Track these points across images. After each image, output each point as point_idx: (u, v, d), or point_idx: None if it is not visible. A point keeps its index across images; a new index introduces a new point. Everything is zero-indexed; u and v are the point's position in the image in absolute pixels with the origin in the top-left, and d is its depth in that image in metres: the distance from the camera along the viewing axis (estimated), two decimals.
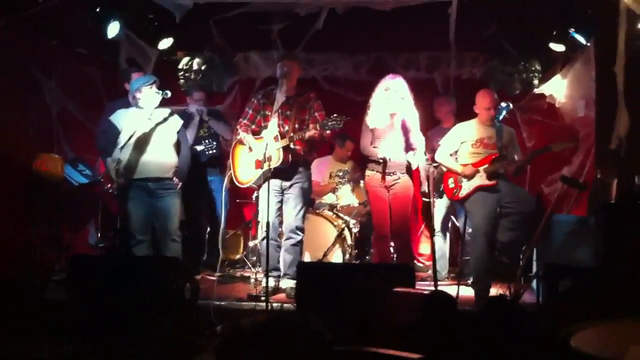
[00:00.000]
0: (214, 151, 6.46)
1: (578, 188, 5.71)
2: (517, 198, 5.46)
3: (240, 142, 5.75)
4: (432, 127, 6.61)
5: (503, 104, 5.53)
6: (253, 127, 5.70)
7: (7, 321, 4.84)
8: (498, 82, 6.99)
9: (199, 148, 6.35)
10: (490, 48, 6.99)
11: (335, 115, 5.23)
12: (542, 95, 6.77)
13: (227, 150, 6.40)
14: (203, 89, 6.94)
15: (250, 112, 5.71)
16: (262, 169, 5.41)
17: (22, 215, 5.98)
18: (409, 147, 5.53)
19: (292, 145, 5.46)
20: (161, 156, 5.45)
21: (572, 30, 6.14)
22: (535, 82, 6.91)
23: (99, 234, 6.61)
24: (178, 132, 5.59)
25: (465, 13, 6.03)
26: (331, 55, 7.40)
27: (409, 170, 5.62)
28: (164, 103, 5.57)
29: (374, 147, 5.61)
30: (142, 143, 5.38)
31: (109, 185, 6.06)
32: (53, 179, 6.01)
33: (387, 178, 5.60)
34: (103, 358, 4.39)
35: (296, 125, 5.51)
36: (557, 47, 6.48)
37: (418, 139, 5.53)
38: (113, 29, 6.19)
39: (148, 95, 5.41)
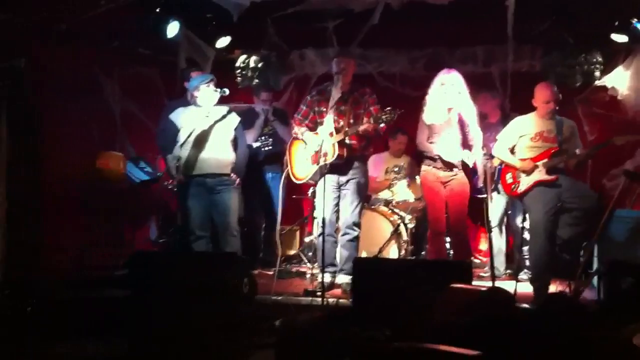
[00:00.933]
0: (270, 147, 6.52)
1: None
2: (578, 193, 5.34)
3: (296, 137, 5.80)
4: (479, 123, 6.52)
5: None
6: (306, 122, 5.74)
7: (66, 319, 5.02)
8: (558, 74, 6.84)
9: (255, 145, 6.42)
10: (549, 40, 6.85)
11: (388, 108, 5.20)
12: (604, 88, 6.63)
13: (285, 147, 6.49)
14: (270, 89, 7.00)
15: (304, 108, 5.76)
16: (318, 164, 5.44)
17: (85, 213, 6.16)
18: (466, 142, 5.49)
19: (347, 140, 5.47)
20: (219, 153, 5.54)
21: (634, 21, 5.99)
22: (597, 74, 6.74)
23: (160, 230, 6.76)
24: (235, 129, 5.66)
25: (523, 4, 5.94)
26: (387, 50, 7.37)
27: (465, 166, 5.56)
28: (227, 101, 5.65)
29: (431, 142, 5.59)
30: (200, 140, 5.48)
31: (169, 182, 6.19)
32: (115, 177, 6.17)
33: (444, 174, 5.57)
34: (162, 352, 4.50)
35: (351, 120, 5.51)
36: (619, 38, 6.32)
37: (476, 133, 5.47)
38: (172, 29, 6.32)
39: (206, 93, 5.51)
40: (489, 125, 6.38)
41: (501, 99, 6.69)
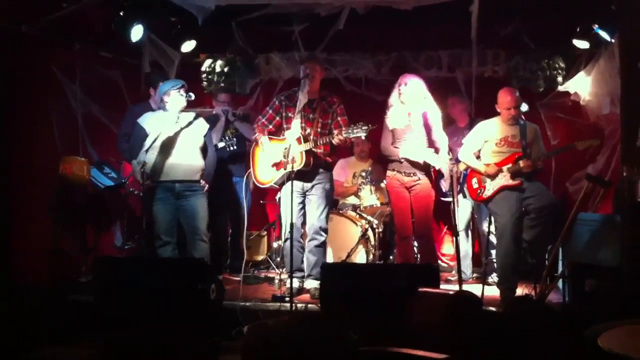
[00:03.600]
0: (235, 147, 6.45)
1: (603, 186, 5.66)
2: (534, 192, 5.42)
3: (257, 143, 5.80)
4: (447, 127, 6.55)
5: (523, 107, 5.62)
6: (270, 127, 5.74)
7: (34, 325, 4.92)
8: (521, 79, 6.93)
9: (220, 145, 6.36)
10: (512, 45, 6.92)
11: (360, 123, 5.23)
12: (566, 93, 6.72)
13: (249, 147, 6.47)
14: (228, 91, 6.96)
15: (270, 112, 5.76)
16: (284, 169, 5.44)
17: (48, 219, 6.05)
18: (431, 146, 5.53)
19: (314, 149, 5.48)
20: (188, 159, 5.50)
21: (595, 27, 6.08)
22: (559, 79, 6.84)
23: (125, 236, 6.66)
24: (205, 136, 5.63)
25: (486, 10, 6.00)
26: (352, 55, 7.37)
27: (429, 170, 5.59)
28: (190, 105, 5.62)
29: (395, 147, 5.61)
30: (168, 146, 5.43)
31: (133, 188, 6.10)
32: (79, 182, 6.05)
33: (408, 179, 5.59)
34: (129, 358, 4.43)
35: (318, 129, 5.54)
36: (581, 44, 6.41)
37: (441, 137, 5.51)
38: (136, 33, 6.24)
39: (175, 98, 5.47)
40: (457, 130, 6.43)
41: (469, 103, 6.73)
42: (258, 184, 5.91)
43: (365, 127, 5.20)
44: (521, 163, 5.41)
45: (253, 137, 5.92)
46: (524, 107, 5.86)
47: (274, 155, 5.62)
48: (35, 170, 5.91)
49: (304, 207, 5.70)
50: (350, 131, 5.26)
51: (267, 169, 5.73)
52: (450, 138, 6.06)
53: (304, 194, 5.66)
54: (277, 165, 5.60)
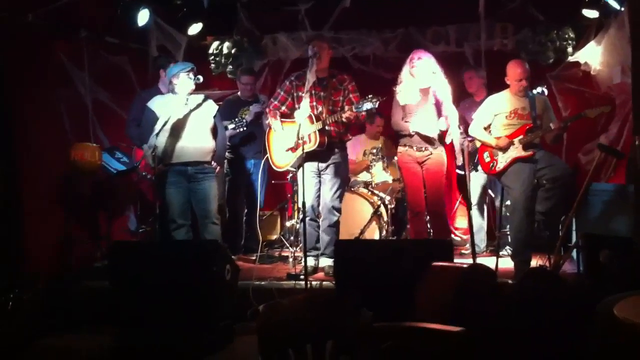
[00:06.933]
0: (244, 128, 6.43)
1: (616, 156, 5.63)
2: (548, 163, 5.40)
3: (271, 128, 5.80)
4: (463, 100, 6.49)
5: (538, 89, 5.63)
6: (283, 108, 5.71)
7: (50, 313, 4.98)
8: (530, 52, 6.88)
9: (230, 126, 6.34)
10: (520, 18, 6.87)
11: (370, 96, 5.20)
12: (577, 64, 6.68)
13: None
14: (252, 73, 6.94)
15: (282, 93, 5.72)
16: (299, 151, 5.41)
17: (61, 206, 6.09)
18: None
19: (326, 127, 5.47)
20: (198, 141, 5.50)
21: None
22: (569, 50, 6.79)
23: (139, 220, 6.70)
24: (214, 117, 5.64)
25: None
26: (359, 32, 7.35)
27: (441, 140, 5.57)
28: (204, 88, 5.63)
29: (406, 121, 5.60)
30: (178, 129, 5.43)
31: (145, 172, 6.12)
32: (91, 168, 6.08)
33: (419, 153, 5.58)
34: (145, 343, 4.47)
35: (330, 107, 5.51)
36: (590, 14, 6.35)
37: (451, 111, 5.48)
38: (143, 17, 6.24)
39: (184, 81, 5.47)
40: (474, 104, 6.34)
41: (486, 76, 6.63)
42: (276, 168, 5.91)
43: (375, 100, 5.17)
44: (552, 125, 5.38)
45: (266, 122, 5.91)
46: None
47: (288, 138, 5.59)
48: (44, 159, 5.90)
49: (319, 187, 5.69)
50: (359, 106, 5.25)
51: (283, 153, 5.71)
52: (467, 112, 6.03)
53: (319, 174, 5.66)
54: (292, 149, 5.57)
